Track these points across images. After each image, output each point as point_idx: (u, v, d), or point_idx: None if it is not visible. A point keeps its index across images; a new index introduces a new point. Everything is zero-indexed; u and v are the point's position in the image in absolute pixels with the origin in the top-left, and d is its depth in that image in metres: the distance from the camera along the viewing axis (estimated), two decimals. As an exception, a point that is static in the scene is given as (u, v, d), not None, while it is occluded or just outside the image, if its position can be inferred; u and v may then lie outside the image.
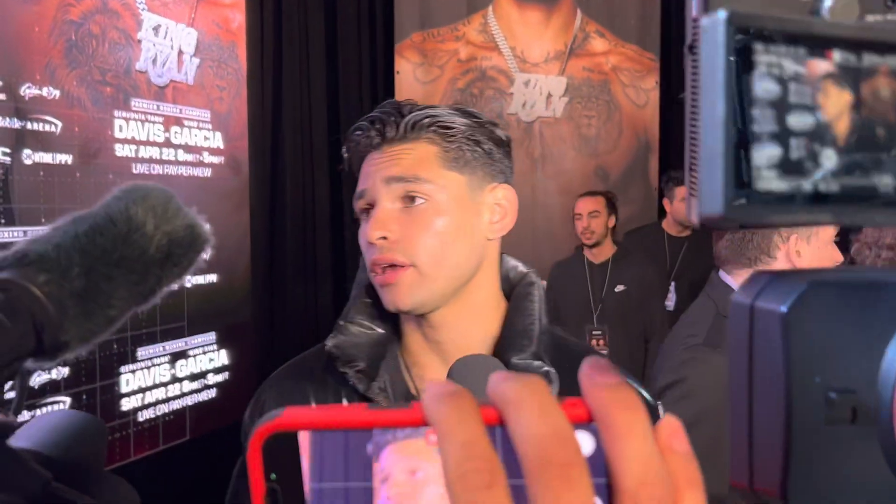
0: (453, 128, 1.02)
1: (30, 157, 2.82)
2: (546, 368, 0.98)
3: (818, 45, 0.30)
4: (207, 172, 3.79)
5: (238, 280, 4.00)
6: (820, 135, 0.30)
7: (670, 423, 0.30)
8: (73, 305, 0.45)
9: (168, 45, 3.55)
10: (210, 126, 3.82)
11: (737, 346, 0.32)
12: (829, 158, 0.30)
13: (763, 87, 0.29)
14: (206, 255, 0.54)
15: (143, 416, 3.31)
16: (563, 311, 3.78)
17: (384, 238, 0.99)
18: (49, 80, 2.91)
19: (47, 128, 2.91)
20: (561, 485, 0.27)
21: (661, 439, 0.30)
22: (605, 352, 3.65)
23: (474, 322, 1.05)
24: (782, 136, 0.30)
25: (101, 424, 0.50)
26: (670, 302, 4.03)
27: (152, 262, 0.49)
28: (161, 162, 3.50)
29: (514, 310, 1.05)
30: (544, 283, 1.13)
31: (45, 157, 2.89)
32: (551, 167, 5.05)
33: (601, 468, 0.29)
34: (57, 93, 2.94)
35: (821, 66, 0.30)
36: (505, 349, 1.01)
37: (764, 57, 0.30)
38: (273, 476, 0.30)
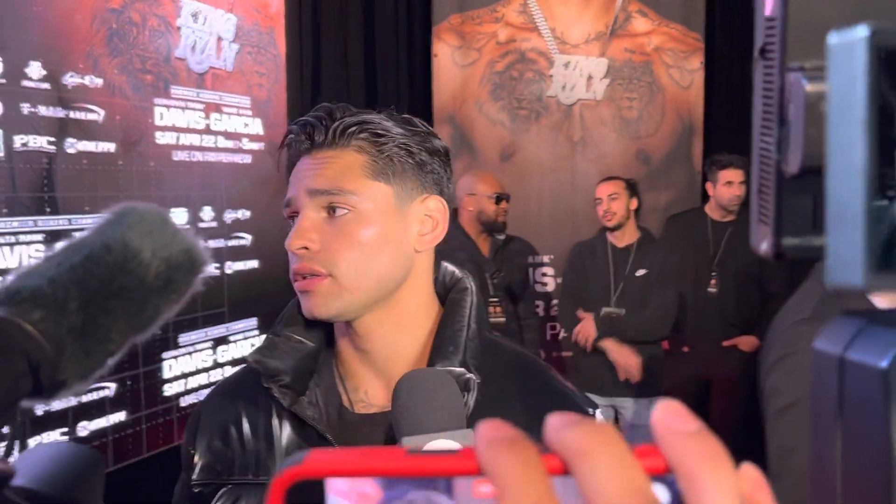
0: (384, 136, 1.00)
1: (73, 145, 2.85)
2: (468, 376, 0.96)
3: None
4: (247, 159, 3.80)
5: (278, 266, 4.02)
6: None
7: (752, 475, 0.28)
8: (71, 343, 0.42)
9: (207, 31, 3.56)
10: (250, 112, 3.83)
11: (822, 401, 0.28)
12: None
13: None
14: (203, 276, 0.51)
15: (186, 401, 3.35)
16: (582, 292, 3.78)
17: (305, 248, 0.98)
18: (91, 69, 2.93)
19: (90, 116, 2.93)
20: None
21: (745, 493, 0.27)
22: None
23: (403, 331, 1.03)
24: None
25: (97, 457, 0.47)
26: (714, 288, 3.96)
27: (151, 290, 0.47)
28: (201, 149, 3.51)
29: (445, 317, 1.04)
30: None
31: (89, 146, 2.92)
32: (591, 151, 4.97)
33: None
34: (99, 81, 2.97)
35: None
36: (433, 357, 0.99)
37: None
38: None
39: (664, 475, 0.27)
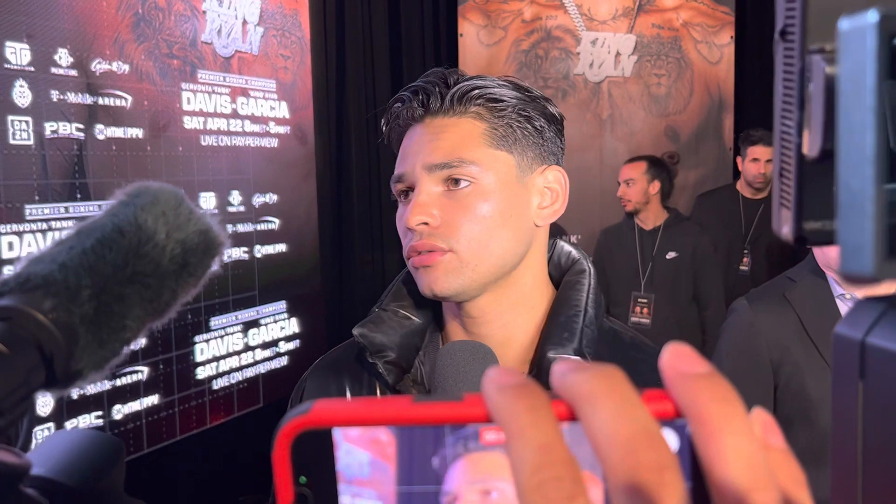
0: (503, 101, 0.94)
1: (102, 132, 2.88)
2: None
3: None
4: (274, 143, 3.82)
5: (306, 249, 4.04)
6: None
7: (763, 418, 0.26)
8: (84, 332, 0.41)
9: (232, 15, 3.56)
10: (276, 96, 3.83)
11: (843, 389, 0.27)
12: None
13: None
14: (221, 258, 0.50)
15: (218, 384, 3.39)
16: (611, 278, 3.72)
17: (425, 224, 0.93)
18: (118, 55, 2.95)
19: (118, 102, 2.96)
20: (655, 491, 0.23)
21: (757, 436, 0.25)
22: (646, 320, 3.58)
23: (517, 314, 0.98)
24: None
25: (119, 444, 0.47)
26: (745, 266, 3.90)
27: (167, 274, 0.45)
28: (228, 133, 3.53)
29: (560, 300, 0.97)
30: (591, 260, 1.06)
31: (117, 132, 2.95)
32: (620, 128, 4.92)
33: (687, 471, 0.26)
34: (126, 67, 2.99)
35: None
36: (544, 343, 0.93)
37: None
38: (303, 480, 0.27)
39: (673, 420, 0.26)
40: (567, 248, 1.04)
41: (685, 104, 4.98)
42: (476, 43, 4.85)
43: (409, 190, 0.96)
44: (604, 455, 0.24)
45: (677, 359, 0.26)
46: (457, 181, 0.93)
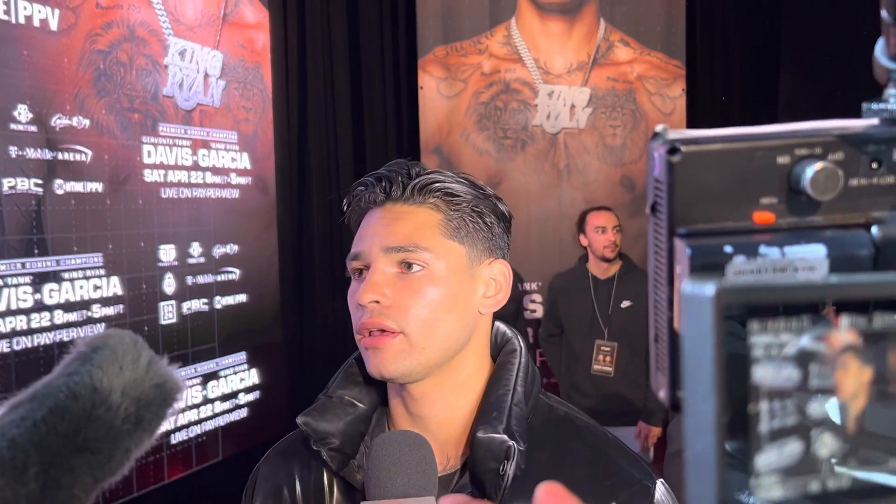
0: (459, 196, 1.00)
1: (61, 186, 2.88)
2: (509, 444, 0.93)
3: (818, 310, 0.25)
4: (235, 193, 3.83)
5: (267, 299, 4.04)
6: (830, 423, 0.25)
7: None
8: None
9: (194, 68, 3.60)
10: (237, 147, 3.86)
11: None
12: (838, 450, 0.25)
13: (763, 373, 0.25)
14: (176, 406, 0.50)
15: (177, 438, 3.35)
16: (567, 325, 3.75)
17: (376, 302, 0.96)
18: (79, 110, 2.97)
19: (78, 157, 2.96)
20: None
21: None
22: (609, 368, 3.62)
23: (457, 396, 1.01)
24: (789, 432, 0.25)
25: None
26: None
27: (120, 434, 0.45)
28: (189, 185, 3.55)
29: (492, 380, 1.02)
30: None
31: (76, 186, 2.95)
32: (577, 178, 5.03)
33: None
34: (87, 122, 3.00)
35: (839, 338, 0.25)
36: (476, 423, 0.97)
37: (761, 338, 0.25)
38: None
39: None
40: (502, 327, 1.09)
41: (641, 154, 5.10)
42: (436, 95, 4.94)
43: (364, 269, 1.00)
44: None
45: (549, 496, 0.31)
46: (410, 265, 0.97)
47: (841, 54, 4.35)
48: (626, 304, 3.64)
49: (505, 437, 0.94)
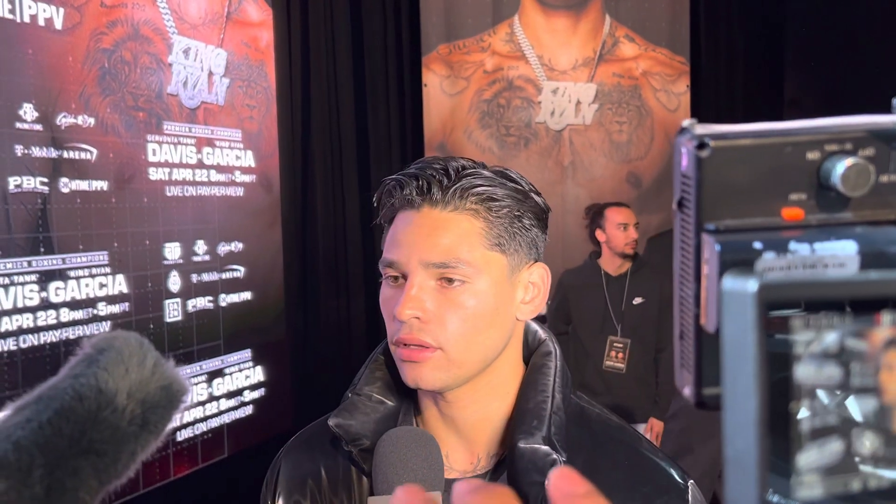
0: (500, 202, 0.95)
1: (66, 185, 2.88)
2: (553, 457, 0.90)
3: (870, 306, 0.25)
4: (240, 192, 3.84)
5: (272, 297, 4.04)
6: (876, 422, 0.25)
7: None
8: None
9: (198, 67, 3.60)
10: (241, 145, 3.86)
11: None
12: (879, 450, 0.25)
13: (806, 372, 0.25)
14: (182, 408, 0.48)
15: (182, 435, 3.35)
16: (578, 321, 3.73)
17: (416, 318, 0.92)
18: (84, 109, 2.97)
19: (83, 155, 2.97)
20: None
21: None
22: (621, 365, 3.62)
23: (492, 399, 0.99)
24: (832, 431, 0.25)
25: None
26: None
27: (126, 437, 0.44)
28: (194, 183, 3.55)
29: (528, 384, 0.99)
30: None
31: (82, 185, 2.95)
32: (582, 175, 5.02)
33: None
34: (91, 120, 3.00)
35: (880, 334, 0.25)
36: (515, 432, 0.94)
37: (803, 335, 0.24)
38: None
39: None
40: (534, 326, 1.05)
41: (646, 150, 5.10)
42: (439, 93, 4.94)
43: (401, 276, 0.96)
44: None
45: (562, 481, 0.31)
46: (451, 280, 0.93)
47: (846, 51, 4.34)
48: (638, 300, 3.63)
49: (547, 448, 0.91)
